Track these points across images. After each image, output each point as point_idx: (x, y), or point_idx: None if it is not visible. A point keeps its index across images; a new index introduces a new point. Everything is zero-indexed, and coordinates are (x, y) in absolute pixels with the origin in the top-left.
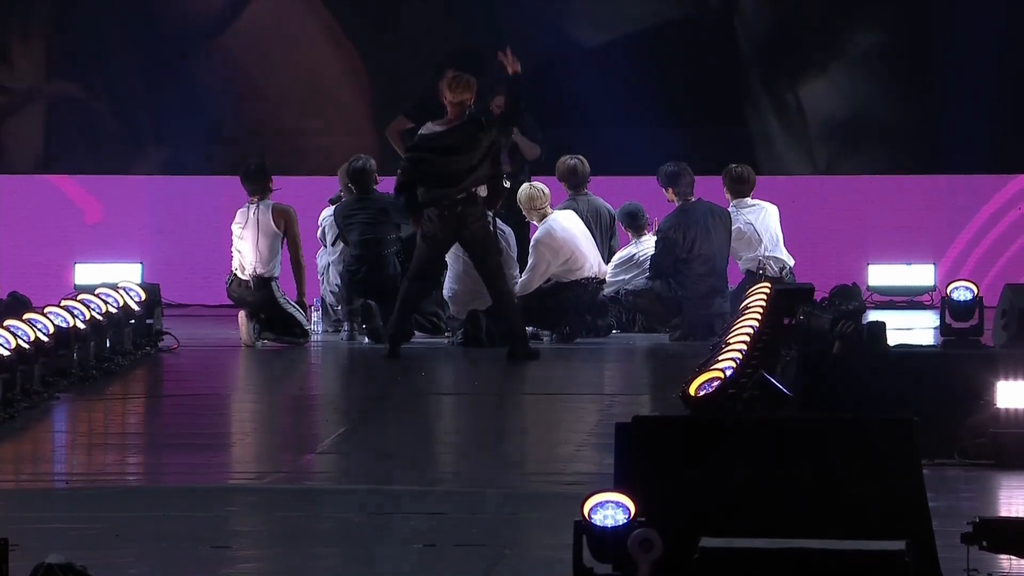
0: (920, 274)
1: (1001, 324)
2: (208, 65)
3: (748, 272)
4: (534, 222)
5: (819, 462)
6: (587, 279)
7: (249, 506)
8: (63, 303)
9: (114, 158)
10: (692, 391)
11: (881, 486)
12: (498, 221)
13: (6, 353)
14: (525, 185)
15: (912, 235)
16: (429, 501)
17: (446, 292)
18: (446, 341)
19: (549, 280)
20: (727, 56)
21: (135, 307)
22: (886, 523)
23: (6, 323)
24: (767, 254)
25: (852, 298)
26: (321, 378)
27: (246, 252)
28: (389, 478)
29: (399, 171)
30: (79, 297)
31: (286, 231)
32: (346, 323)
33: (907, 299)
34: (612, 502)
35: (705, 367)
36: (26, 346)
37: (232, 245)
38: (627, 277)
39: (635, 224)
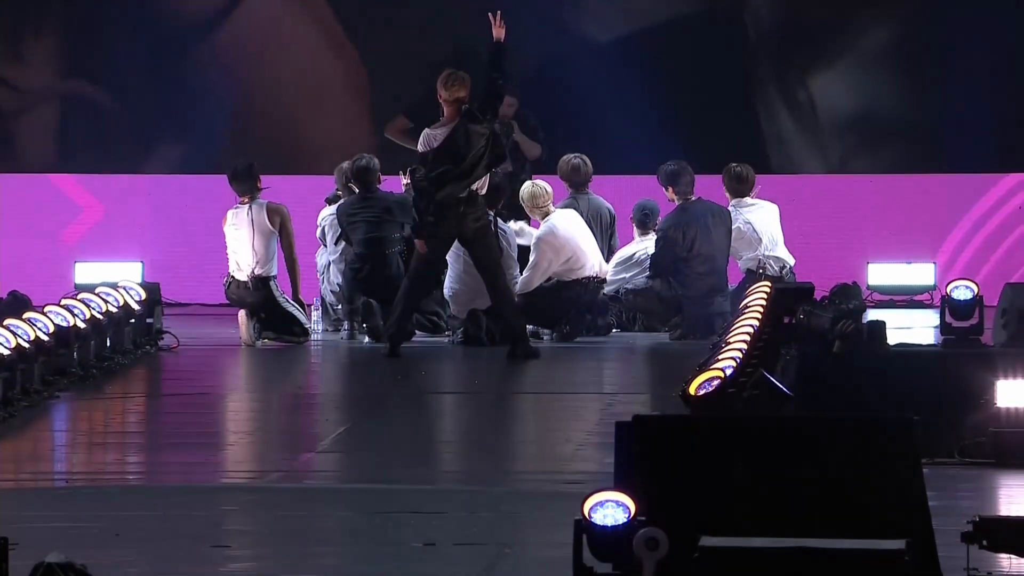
0: (920, 273)
1: (1001, 323)
2: (209, 65)
3: (748, 271)
4: (536, 219)
5: (819, 462)
6: (588, 278)
7: (249, 505)
8: (63, 302)
9: (122, 157)
10: (692, 390)
11: (881, 486)
12: (499, 221)
13: (6, 352)
14: (527, 183)
15: (912, 234)
16: (429, 500)
17: (447, 291)
18: (446, 340)
19: (550, 279)
20: (735, 52)
21: (135, 306)
22: (886, 523)
23: (6, 322)
24: (767, 253)
25: (852, 297)
26: (321, 377)
27: (242, 253)
28: (389, 477)
29: (415, 194)
30: (79, 296)
31: (281, 229)
32: (346, 322)
33: (907, 298)
34: (612, 501)
35: (705, 366)
36: (26, 345)
37: (226, 247)
38: (627, 276)
39: (646, 221)
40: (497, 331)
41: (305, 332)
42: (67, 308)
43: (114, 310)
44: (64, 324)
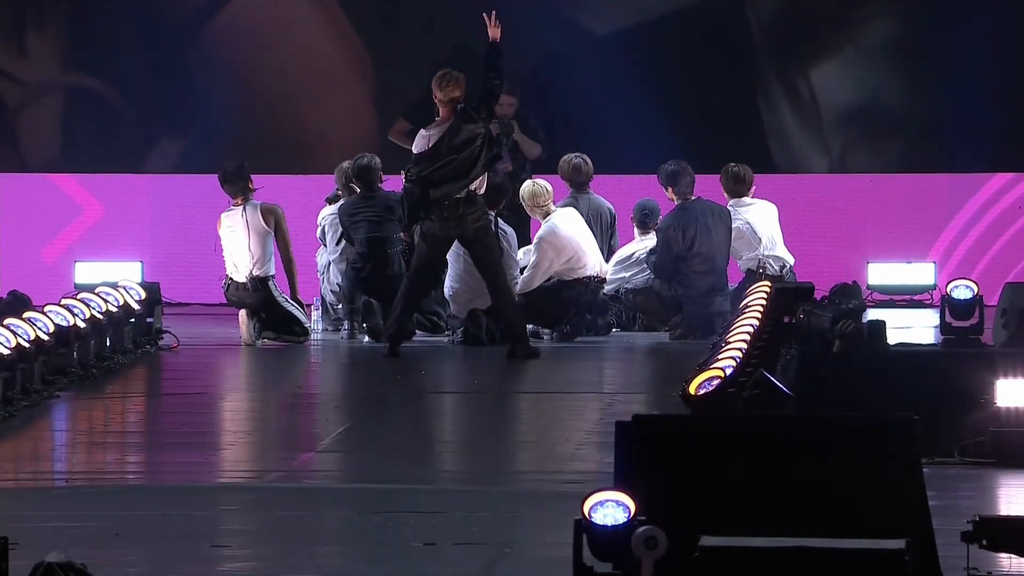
0: (920, 273)
1: (1001, 323)
2: (211, 61)
3: (748, 271)
4: (537, 219)
5: (819, 461)
6: (588, 278)
7: (249, 505)
8: (63, 301)
9: (123, 152)
10: (692, 390)
11: (881, 485)
12: (499, 221)
13: (6, 351)
14: (528, 182)
15: (912, 234)
16: (429, 499)
17: (447, 291)
18: (446, 340)
19: (551, 278)
20: (737, 46)
21: (135, 306)
22: (886, 522)
23: (6, 321)
24: (767, 253)
25: (852, 297)
26: (321, 377)
27: (239, 254)
28: (389, 477)
29: (403, 194)
30: (79, 296)
31: (276, 229)
32: (346, 321)
33: (907, 298)
34: (612, 501)
35: (705, 366)
36: (26, 344)
37: (222, 249)
38: (627, 275)
39: (646, 221)
40: (497, 331)
41: (305, 332)
42: (67, 308)
43: (114, 310)
44: (64, 324)
